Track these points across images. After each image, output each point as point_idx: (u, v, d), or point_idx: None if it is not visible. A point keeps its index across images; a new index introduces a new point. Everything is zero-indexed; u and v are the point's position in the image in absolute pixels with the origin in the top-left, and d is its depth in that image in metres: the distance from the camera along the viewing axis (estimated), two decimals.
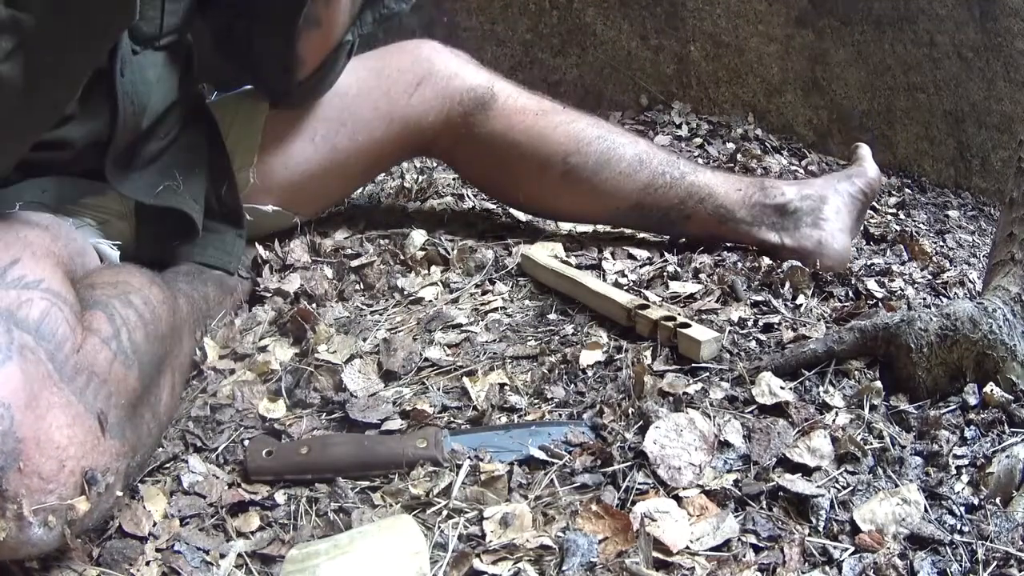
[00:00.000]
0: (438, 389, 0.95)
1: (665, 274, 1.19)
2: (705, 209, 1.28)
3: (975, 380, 0.83)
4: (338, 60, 1.16)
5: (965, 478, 0.73)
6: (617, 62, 2.17)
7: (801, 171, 1.95)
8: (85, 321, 0.76)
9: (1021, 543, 0.65)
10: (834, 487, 0.73)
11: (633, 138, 1.32)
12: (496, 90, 1.26)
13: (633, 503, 0.73)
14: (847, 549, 0.66)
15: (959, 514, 0.69)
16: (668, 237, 1.35)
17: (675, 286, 1.15)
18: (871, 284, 1.16)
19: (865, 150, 1.38)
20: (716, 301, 1.09)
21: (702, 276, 1.17)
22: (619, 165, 1.27)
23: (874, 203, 1.79)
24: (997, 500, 0.70)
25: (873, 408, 0.83)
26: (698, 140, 1.96)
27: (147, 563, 0.71)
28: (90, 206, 1.05)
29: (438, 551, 0.70)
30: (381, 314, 1.12)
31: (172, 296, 0.93)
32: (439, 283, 1.19)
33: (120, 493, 0.72)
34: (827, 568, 0.65)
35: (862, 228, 1.52)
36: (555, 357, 0.98)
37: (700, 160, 1.44)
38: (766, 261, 1.21)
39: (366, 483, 0.80)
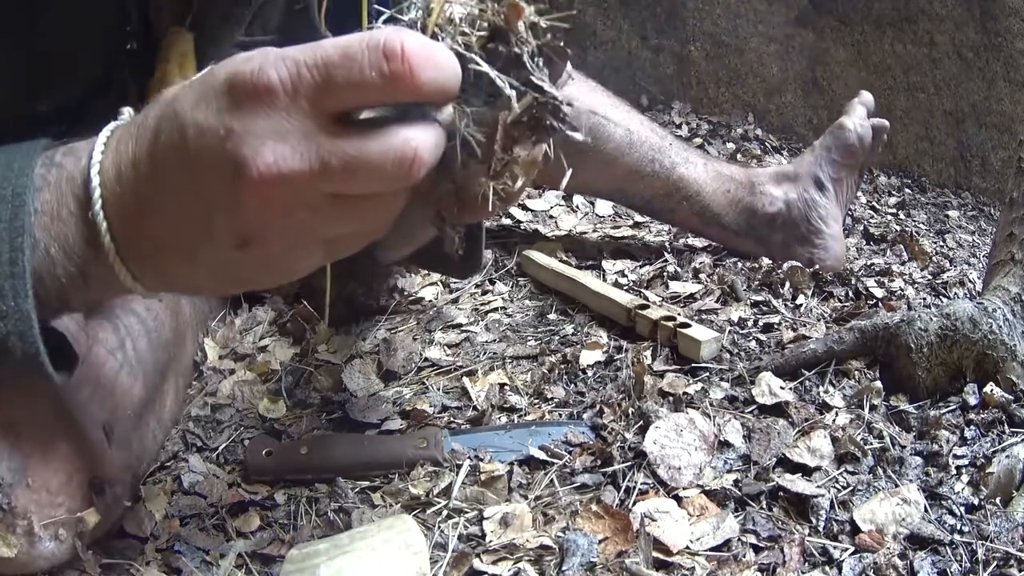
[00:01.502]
0: (438, 389, 0.95)
1: (665, 274, 1.19)
2: (691, 208, 1.24)
3: (975, 380, 0.83)
4: None
5: (965, 478, 0.73)
6: (617, 62, 2.17)
7: None
8: (89, 330, 0.75)
9: (1021, 543, 0.65)
10: (834, 487, 0.73)
11: (627, 115, 1.25)
12: None
13: (633, 503, 0.73)
14: (847, 549, 0.66)
15: (959, 514, 0.69)
16: (667, 240, 1.35)
17: (675, 286, 1.15)
18: (871, 284, 1.16)
19: (858, 105, 1.25)
20: (716, 301, 1.09)
21: (702, 276, 1.17)
22: (606, 145, 1.21)
23: (874, 203, 1.79)
24: (997, 500, 0.70)
25: (873, 408, 0.83)
26: (698, 140, 1.96)
27: (147, 563, 0.70)
28: None
29: (438, 551, 0.70)
30: (381, 314, 1.11)
31: (175, 299, 0.92)
32: (439, 283, 1.20)
33: (129, 503, 0.72)
34: (827, 568, 0.65)
35: (862, 228, 1.51)
36: (555, 357, 0.98)
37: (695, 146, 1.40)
38: (766, 261, 1.21)
39: (366, 483, 0.80)
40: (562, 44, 0.52)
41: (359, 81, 0.45)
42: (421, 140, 0.47)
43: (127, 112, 0.55)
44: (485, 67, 0.48)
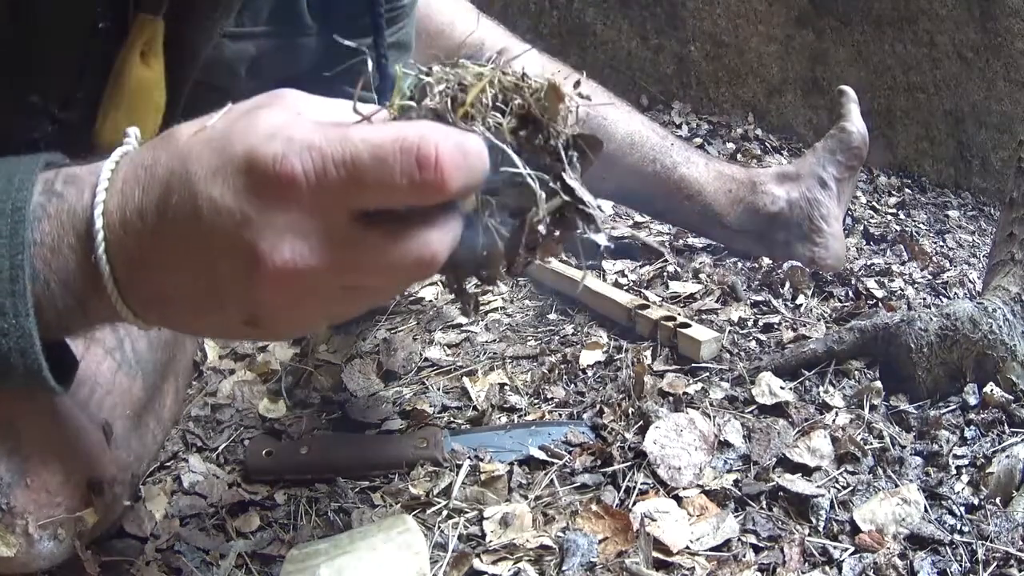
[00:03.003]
0: (438, 389, 0.95)
1: (665, 274, 1.19)
2: (692, 207, 1.24)
3: (975, 380, 0.83)
4: None
5: (965, 478, 0.73)
6: (617, 62, 2.17)
7: None
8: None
9: (1021, 543, 0.65)
10: (834, 487, 0.73)
11: (628, 114, 1.26)
12: (487, 45, 1.15)
13: (633, 503, 0.73)
14: (847, 549, 0.66)
15: (959, 514, 0.69)
16: (667, 240, 1.35)
17: (675, 286, 1.15)
18: (871, 284, 1.16)
19: (850, 104, 1.26)
20: (716, 301, 1.09)
21: (702, 276, 1.17)
22: (607, 146, 1.16)
23: (874, 203, 1.79)
24: (997, 500, 0.70)
25: (873, 408, 0.83)
26: (698, 140, 1.95)
27: (147, 563, 0.70)
28: None
29: (438, 551, 0.70)
30: (381, 314, 1.11)
31: None
32: (439, 283, 1.19)
33: (128, 502, 0.72)
34: (827, 568, 0.65)
35: (862, 228, 1.51)
36: (555, 357, 0.98)
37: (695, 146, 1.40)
38: (766, 261, 1.21)
39: (366, 483, 0.80)
40: (595, 136, 0.49)
41: (388, 185, 0.43)
42: (440, 241, 0.46)
43: (134, 136, 0.53)
44: (518, 164, 0.45)
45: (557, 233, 0.50)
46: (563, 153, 0.47)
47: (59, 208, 0.51)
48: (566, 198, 0.47)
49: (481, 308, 1.13)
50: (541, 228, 0.48)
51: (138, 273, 0.50)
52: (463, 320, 1.09)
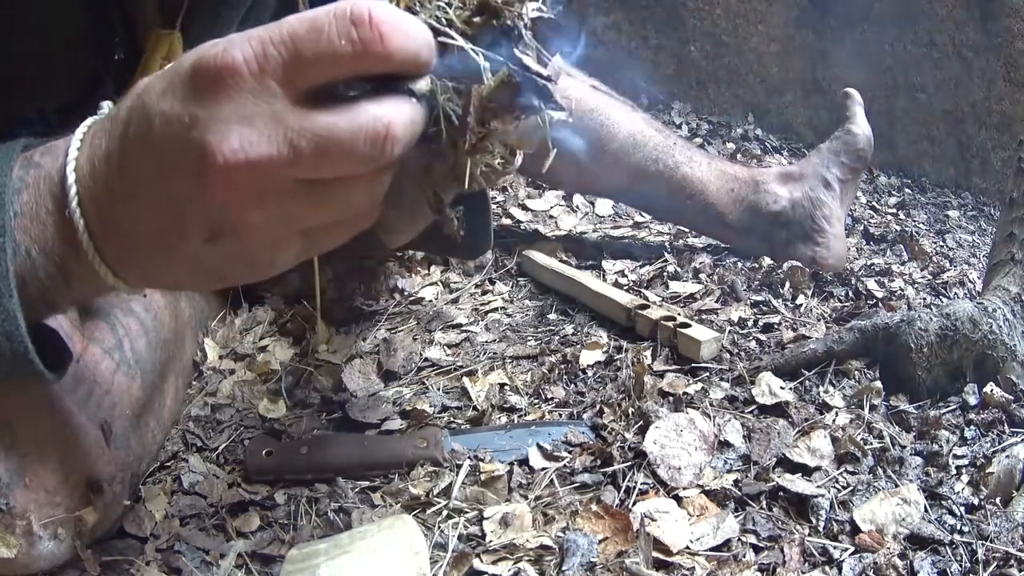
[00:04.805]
0: (438, 389, 0.95)
1: (665, 274, 1.19)
2: (694, 206, 1.24)
3: (975, 380, 0.83)
4: None
5: (965, 478, 0.73)
6: (617, 62, 2.17)
7: None
8: (86, 330, 0.75)
9: (1021, 543, 0.65)
10: (834, 487, 0.73)
11: (630, 114, 1.26)
12: None
13: (633, 503, 0.73)
14: (847, 549, 0.66)
15: (959, 514, 0.69)
16: (667, 240, 1.35)
17: (675, 286, 1.15)
18: (871, 284, 1.16)
19: (856, 107, 1.26)
20: (716, 301, 1.09)
21: (702, 276, 1.17)
22: (610, 145, 1.22)
23: (874, 203, 1.79)
24: (997, 500, 0.70)
25: (873, 408, 0.83)
26: (698, 140, 1.96)
27: (147, 563, 0.70)
28: None
29: (438, 551, 0.70)
30: (381, 314, 1.11)
31: (174, 299, 0.92)
32: (439, 283, 1.20)
33: (128, 502, 0.72)
34: (827, 568, 0.65)
35: (862, 228, 1.51)
36: (555, 357, 0.98)
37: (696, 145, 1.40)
38: (766, 261, 1.21)
39: (366, 483, 0.80)
40: (556, 20, 0.49)
41: (328, 52, 0.43)
42: (393, 116, 0.45)
43: (106, 106, 0.53)
44: (459, 40, 0.46)
45: (515, 112, 0.49)
46: (522, 33, 0.47)
47: (36, 176, 0.51)
48: (513, 67, 0.47)
49: (481, 309, 1.13)
50: (493, 104, 0.47)
51: (108, 220, 0.49)
52: (463, 320, 1.09)
